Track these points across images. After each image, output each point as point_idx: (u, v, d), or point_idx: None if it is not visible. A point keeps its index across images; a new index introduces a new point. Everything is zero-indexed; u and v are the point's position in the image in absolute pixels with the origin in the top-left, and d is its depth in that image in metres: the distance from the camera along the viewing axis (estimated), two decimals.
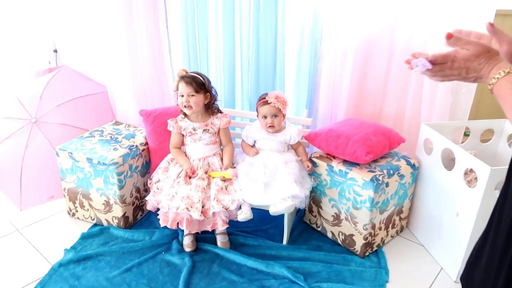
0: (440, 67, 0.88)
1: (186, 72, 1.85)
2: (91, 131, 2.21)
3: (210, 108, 1.90)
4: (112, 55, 2.43)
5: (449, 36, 0.86)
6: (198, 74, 1.86)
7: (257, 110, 1.94)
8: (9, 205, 2.23)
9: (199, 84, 1.82)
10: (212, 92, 1.89)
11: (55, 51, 2.77)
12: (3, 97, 2.39)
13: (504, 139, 2.03)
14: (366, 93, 2.18)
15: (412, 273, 1.80)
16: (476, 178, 1.74)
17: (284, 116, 1.91)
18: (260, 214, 2.03)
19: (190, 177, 1.83)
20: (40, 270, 1.79)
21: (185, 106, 1.83)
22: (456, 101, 2.04)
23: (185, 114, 1.91)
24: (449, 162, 1.85)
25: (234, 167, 1.89)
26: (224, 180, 1.83)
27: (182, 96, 1.82)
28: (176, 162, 1.92)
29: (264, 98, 1.88)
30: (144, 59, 2.38)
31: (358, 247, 1.86)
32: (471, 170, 1.69)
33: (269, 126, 1.88)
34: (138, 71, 2.42)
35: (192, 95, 1.82)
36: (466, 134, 2.09)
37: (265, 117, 1.88)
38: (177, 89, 1.84)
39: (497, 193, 1.11)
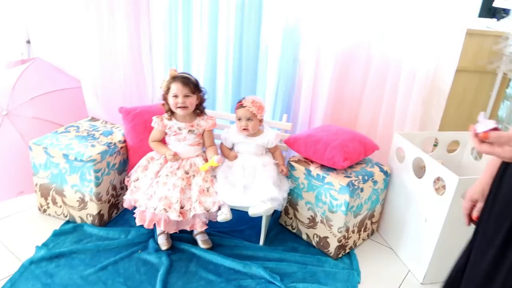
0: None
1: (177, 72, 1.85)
2: (66, 126, 2.16)
3: (198, 109, 1.91)
4: (87, 48, 2.35)
5: (485, 137, 0.83)
6: (188, 74, 1.87)
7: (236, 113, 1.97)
8: None
9: (195, 85, 1.83)
10: (202, 93, 1.90)
11: (28, 42, 2.68)
12: None
13: (468, 150, 2.17)
14: (343, 101, 2.26)
15: (381, 275, 1.88)
16: (443, 186, 1.85)
17: (260, 121, 1.94)
18: (236, 215, 2.04)
19: (175, 154, 1.84)
20: (9, 267, 1.73)
21: (179, 107, 1.82)
22: (427, 112, 2.16)
23: (171, 113, 1.90)
24: (418, 170, 1.96)
25: (219, 155, 1.91)
26: (212, 170, 1.86)
27: (176, 96, 1.81)
28: (157, 158, 1.91)
29: (241, 101, 1.92)
30: (123, 56, 2.35)
31: (332, 249, 1.92)
32: (439, 179, 1.79)
33: (243, 129, 1.92)
34: (115, 68, 2.38)
35: (188, 96, 1.82)
36: (435, 144, 2.21)
37: (240, 119, 1.92)
38: (167, 89, 1.83)
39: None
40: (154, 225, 1.81)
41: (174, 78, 1.82)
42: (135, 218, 1.85)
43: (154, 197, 1.78)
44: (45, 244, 1.88)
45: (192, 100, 1.85)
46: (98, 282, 1.67)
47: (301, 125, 2.26)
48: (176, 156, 1.84)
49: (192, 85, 1.82)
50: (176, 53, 2.31)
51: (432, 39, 1.99)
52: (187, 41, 2.29)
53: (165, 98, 1.87)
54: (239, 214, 2.18)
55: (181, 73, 1.87)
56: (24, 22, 2.61)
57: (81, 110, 2.39)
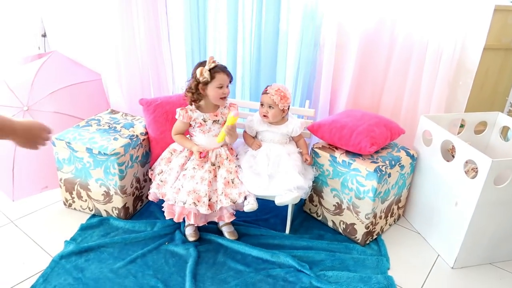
0: None
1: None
2: (87, 120, 2.16)
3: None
4: (106, 40, 2.34)
5: None
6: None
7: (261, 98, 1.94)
8: (1, 196, 2.16)
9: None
10: None
11: (43, 35, 2.66)
12: None
13: (496, 131, 2.11)
14: (366, 84, 2.21)
15: (411, 260, 1.86)
16: (473, 169, 1.81)
17: (282, 111, 1.88)
18: (260, 203, 2.03)
19: (205, 156, 1.81)
20: (40, 262, 1.76)
21: (221, 98, 1.79)
22: (452, 93, 2.10)
23: (192, 104, 1.83)
24: (445, 152, 1.91)
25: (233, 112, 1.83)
26: (231, 129, 1.79)
27: (221, 87, 1.76)
28: (180, 151, 1.89)
29: (267, 87, 1.89)
30: (141, 47, 2.32)
31: (359, 236, 1.90)
32: (467, 161, 1.75)
33: (263, 116, 1.89)
34: (134, 59, 2.36)
35: (228, 86, 1.80)
36: (461, 126, 2.16)
37: (263, 105, 1.89)
38: (211, 79, 1.73)
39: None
40: (184, 219, 1.80)
41: (220, 69, 1.75)
42: (163, 212, 1.85)
43: (182, 190, 1.76)
44: (73, 239, 1.89)
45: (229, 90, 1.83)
46: (129, 275, 1.68)
47: (322, 110, 2.22)
48: (205, 159, 1.81)
49: (231, 75, 1.81)
50: (193, 41, 2.27)
51: (458, 15, 1.92)
52: (204, 29, 2.25)
53: (197, 88, 1.77)
54: (262, 203, 2.17)
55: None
56: (39, 16, 2.58)
57: (100, 103, 2.39)
